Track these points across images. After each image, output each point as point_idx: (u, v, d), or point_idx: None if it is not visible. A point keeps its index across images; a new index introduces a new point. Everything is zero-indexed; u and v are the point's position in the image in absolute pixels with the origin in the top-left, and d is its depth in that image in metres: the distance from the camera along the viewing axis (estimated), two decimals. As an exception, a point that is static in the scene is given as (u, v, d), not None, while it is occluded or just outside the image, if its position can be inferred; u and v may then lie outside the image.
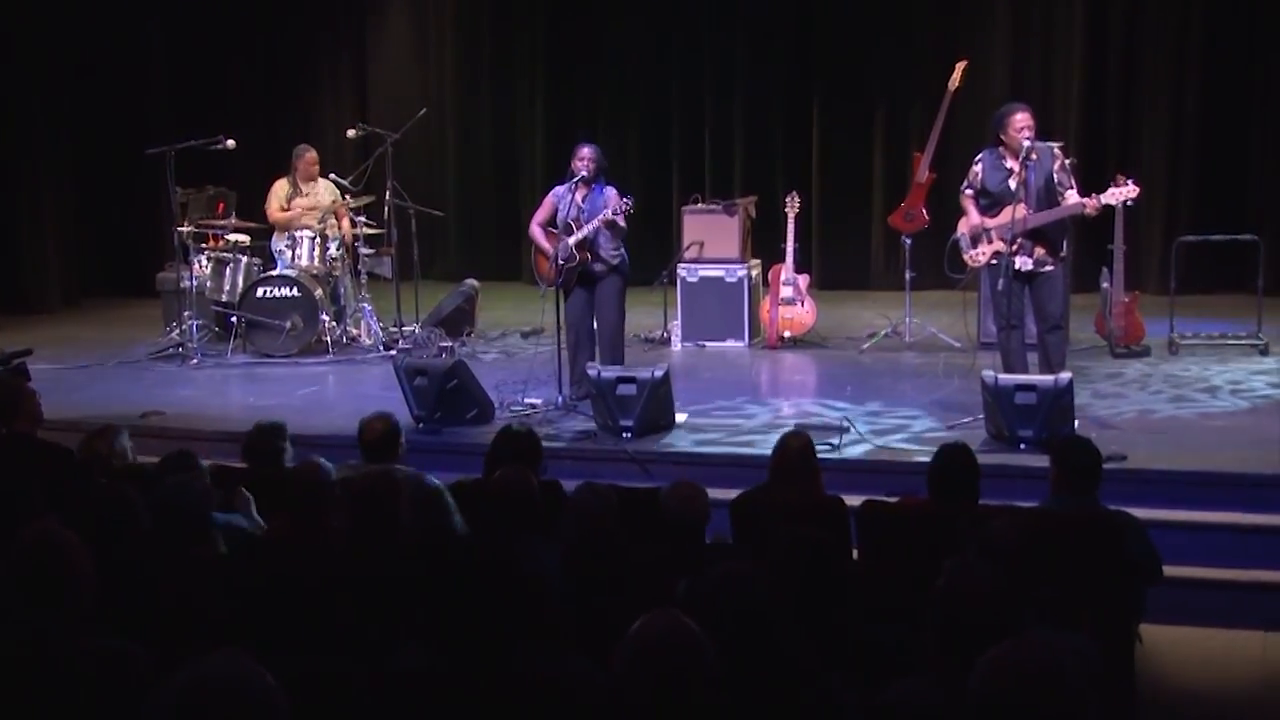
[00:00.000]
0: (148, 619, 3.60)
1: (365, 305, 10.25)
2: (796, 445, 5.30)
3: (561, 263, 8.03)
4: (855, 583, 4.09)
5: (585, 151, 8.08)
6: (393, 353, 9.40)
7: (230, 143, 9.97)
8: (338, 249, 10.19)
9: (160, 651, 3.10)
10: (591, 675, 3.09)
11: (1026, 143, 7.30)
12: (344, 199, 10.32)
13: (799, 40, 12.64)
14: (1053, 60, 11.98)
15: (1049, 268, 7.45)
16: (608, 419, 7.35)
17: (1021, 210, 7.28)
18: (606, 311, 8.19)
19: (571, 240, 7.98)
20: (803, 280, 10.02)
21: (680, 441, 7.35)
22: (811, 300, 10.04)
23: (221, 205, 10.86)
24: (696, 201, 10.62)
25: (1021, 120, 7.37)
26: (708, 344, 10.09)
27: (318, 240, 10.06)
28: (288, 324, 9.79)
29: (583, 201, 8.05)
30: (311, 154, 10.37)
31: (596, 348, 8.26)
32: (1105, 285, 9.29)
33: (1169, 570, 4.98)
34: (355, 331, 10.25)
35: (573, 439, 7.34)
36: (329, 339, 9.88)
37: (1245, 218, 11.08)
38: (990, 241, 7.49)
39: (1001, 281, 7.35)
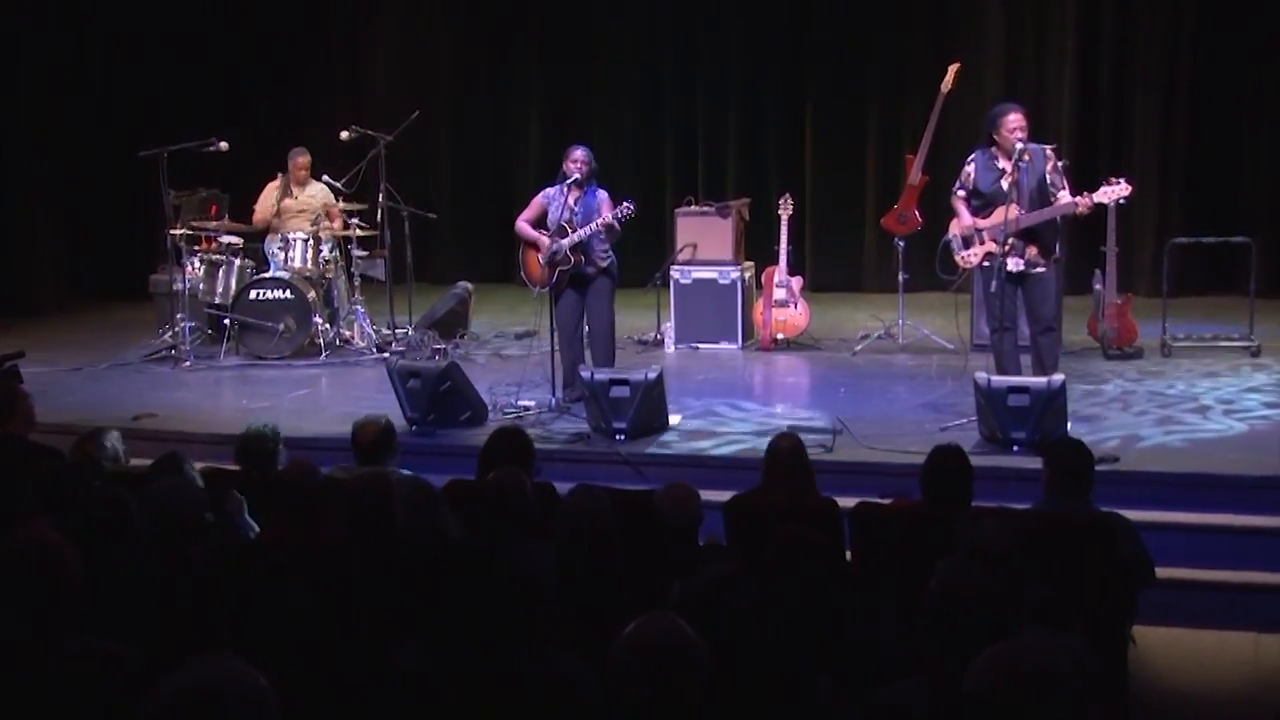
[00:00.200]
0: (140, 621, 3.60)
1: (358, 307, 10.24)
2: (787, 447, 5.31)
3: (555, 265, 8.03)
4: (848, 584, 4.09)
5: (578, 154, 8.09)
6: (386, 355, 9.40)
7: (223, 145, 9.96)
8: (331, 251, 10.19)
9: (153, 654, 3.09)
10: (585, 677, 3.09)
11: (1019, 144, 7.30)
12: (337, 201, 10.33)
13: (792, 42, 12.65)
14: (1045, 62, 12.00)
15: (1041, 269, 7.46)
16: (601, 421, 7.35)
17: (1014, 211, 7.28)
18: (597, 313, 8.20)
19: (566, 242, 7.97)
20: (795, 282, 10.02)
21: (674, 443, 7.35)
22: (804, 302, 10.05)
23: (214, 207, 10.85)
24: (690, 203, 10.63)
25: (1014, 121, 7.37)
26: (701, 346, 10.10)
27: (311, 242, 10.06)
28: (281, 326, 9.78)
29: (575, 204, 8.04)
30: (303, 157, 10.36)
31: (587, 349, 8.27)
32: (1098, 287, 9.30)
33: (1161, 572, 5.00)
34: (348, 334, 10.24)
35: (566, 441, 7.34)
36: (322, 341, 9.87)
37: (1237, 220, 11.11)
38: (982, 243, 7.49)
39: (994, 283, 7.35)
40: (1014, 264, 7.38)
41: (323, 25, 14.06)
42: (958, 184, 7.64)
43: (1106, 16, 11.80)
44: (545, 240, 8.04)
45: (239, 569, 4.03)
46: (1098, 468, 5.15)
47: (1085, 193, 7.35)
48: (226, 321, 9.97)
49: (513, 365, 9.17)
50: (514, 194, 13.15)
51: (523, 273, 8.34)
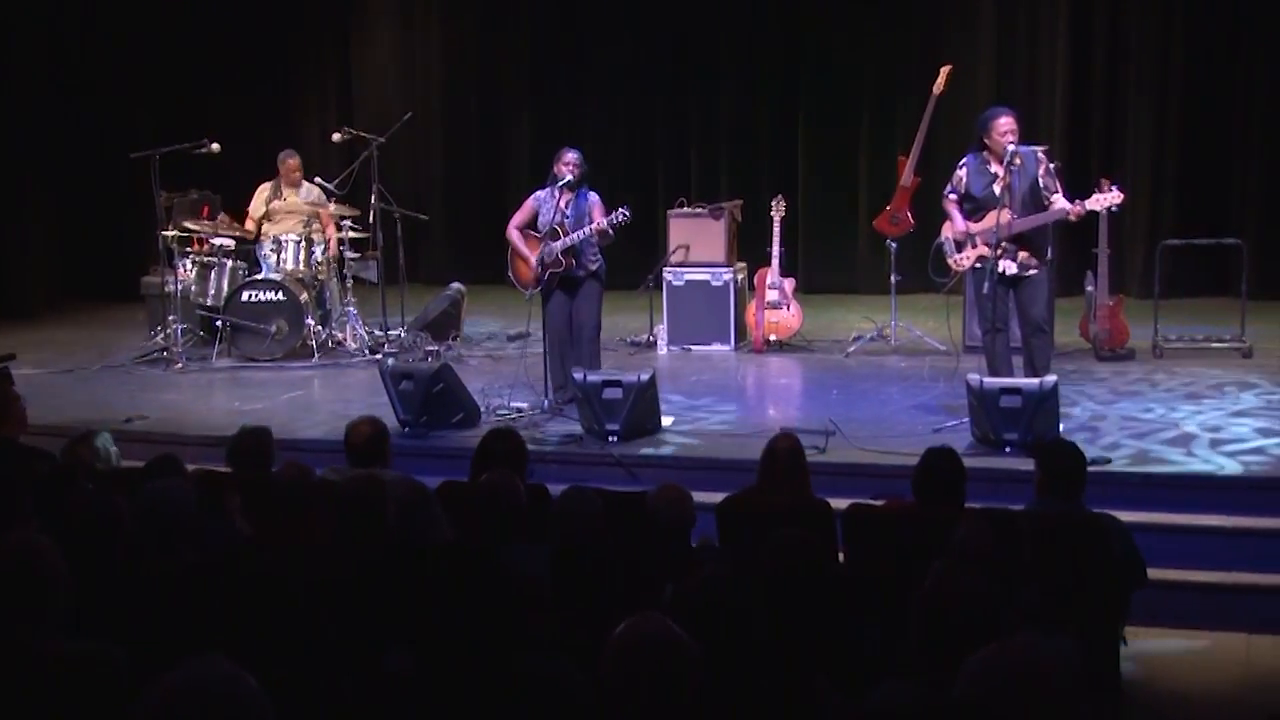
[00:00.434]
0: (131, 623, 3.59)
1: (351, 309, 10.23)
2: (785, 447, 5.31)
3: (546, 267, 8.04)
4: (841, 586, 4.09)
5: (569, 156, 8.09)
6: (378, 357, 9.39)
7: (215, 146, 9.95)
8: (323, 253, 10.18)
9: (144, 656, 3.09)
10: (577, 679, 3.09)
11: (1011, 147, 7.31)
12: (329, 203, 10.32)
13: (784, 44, 12.65)
14: (1037, 64, 12.01)
15: (1033, 271, 7.47)
16: (593, 423, 7.35)
17: (1006, 215, 7.29)
18: (585, 315, 8.20)
19: (558, 246, 7.98)
20: (788, 284, 10.02)
21: (666, 445, 7.35)
22: (797, 304, 10.05)
23: (206, 209, 10.84)
24: (682, 205, 10.63)
25: (1005, 124, 7.38)
26: (693, 347, 10.10)
27: (303, 244, 10.05)
28: (273, 328, 9.77)
29: (566, 207, 8.05)
30: (293, 159, 10.36)
31: (575, 351, 8.28)
32: (1090, 289, 9.31)
33: (1153, 573, 5.00)
34: (341, 335, 10.22)
35: (559, 443, 7.34)
36: (314, 343, 9.86)
37: (1229, 221, 11.13)
38: (974, 246, 7.50)
39: (986, 285, 7.36)
40: (1006, 266, 7.39)
41: (315, 27, 14.05)
42: (949, 187, 7.65)
43: (1098, 18, 11.81)
44: (534, 260, 8.04)
45: (231, 571, 4.02)
46: (1090, 469, 5.16)
47: (1078, 200, 7.36)
48: (219, 323, 9.95)
49: (505, 367, 9.16)
50: (506, 196, 13.13)
51: (512, 274, 8.35)
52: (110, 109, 13.24)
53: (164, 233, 10.02)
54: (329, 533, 4.46)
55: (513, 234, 8.24)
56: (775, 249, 10.00)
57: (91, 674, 3.04)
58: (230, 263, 10.18)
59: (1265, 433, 7.14)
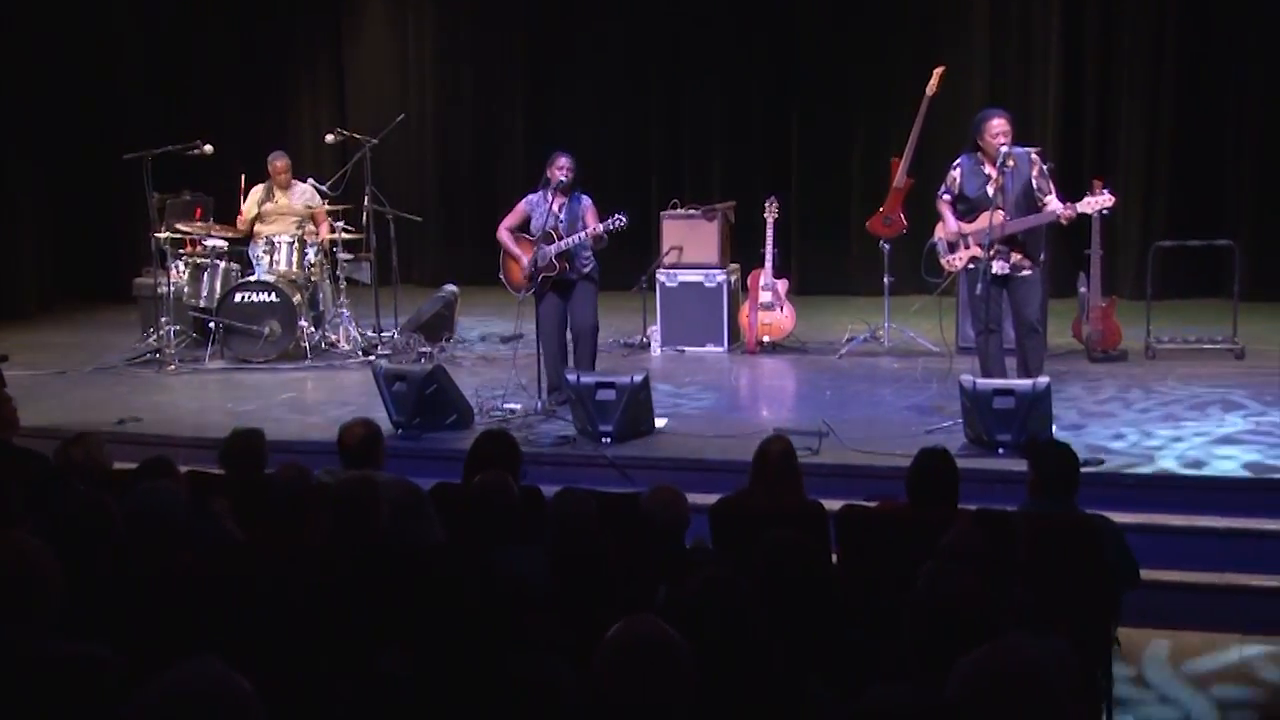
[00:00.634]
0: (124, 625, 3.59)
1: (344, 310, 10.23)
2: (778, 449, 5.31)
3: (539, 271, 8.04)
4: (834, 587, 4.09)
5: (563, 160, 8.10)
6: (371, 358, 9.39)
7: (208, 148, 9.94)
8: (316, 254, 10.17)
9: (136, 658, 3.08)
10: (570, 680, 3.09)
11: (1004, 148, 7.32)
12: (322, 204, 10.31)
13: (778, 45, 12.67)
14: (1030, 65, 12.03)
15: (1026, 272, 7.48)
16: (587, 424, 7.35)
17: (999, 216, 7.30)
18: (581, 317, 8.21)
19: (553, 249, 7.99)
20: (781, 285, 10.03)
21: (660, 446, 7.35)
22: (790, 305, 10.06)
23: (199, 210, 10.83)
24: (675, 206, 10.63)
25: (997, 126, 7.39)
26: (687, 349, 10.10)
27: (296, 245, 10.04)
28: (266, 329, 9.77)
29: (560, 211, 8.05)
30: (282, 161, 10.35)
31: (571, 353, 8.28)
32: (1082, 290, 9.33)
33: (1145, 574, 5.01)
34: (334, 337, 10.22)
35: (552, 444, 7.34)
36: (307, 344, 9.86)
37: (1222, 222, 11.15)
38: (967, 247, 7.51)
39: (979, 286, 7.37)
40: (999, 267, 7.40)
41: (308, 28, 14.04)
42: (943, 188, 7.65)
43: (1091, 20, 11.84)
44: (525, 260, 8.05)
45: (223, 572, 4.02)
46: (1083, 470, 5.16)
47: (1069, 203, 7.37)
48: (211, 325, 9.94)
49: (499, 368, 9.16)
50: (499, 197, 13.14)
51: (504, 277, 8.35)
52: (103, 110, 13.23)
53: (157, 234, 10.01)
54: (323, 534, 4.45)
55: (504, 235, 8.26)
56: (768, 250, 10.00)
57: (84, 675, 3.04)
58: (223, 264, 10.17)
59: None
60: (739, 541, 4.49)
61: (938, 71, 9.78)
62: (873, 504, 5.25)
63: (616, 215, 7.96)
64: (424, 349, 9.84)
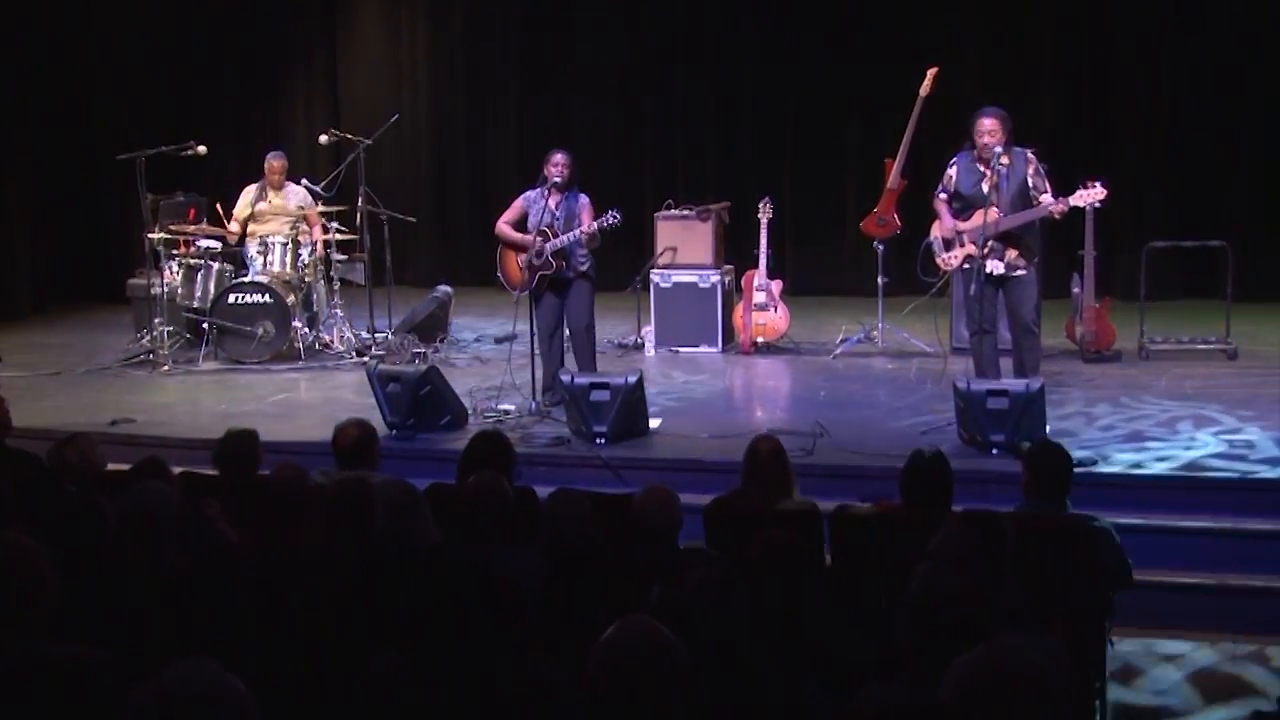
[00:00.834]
0: (118, 626, 3.58)
1: (338, 311, 10.22)
2: (767, 449, 5.31)
3: (535, 269, 8.04)
4: (828, 588, 4.09)
5: (558, 158, 8.10)
6: (365, 359, 9.38)
7: (201, 149, 9.93)
8: (310, 255, 10.17)
9: (131, 659, 3.08)
10: (565, 681, 3.09)
11: (998, 148, 7.34)
12: (315, 204, 10.31)
13: (771, 46, 12.67)
14: (1024, 66, 12.04)
15: (1021, 271, 7.49)
16: (581, 425, 7.36)
17: (993, 214, 7.32)
18: (577, 315, 8.21)
19: (548, 247, 7.99)
20: (775, 286, 10.04)
21: (653, 447, 7.35)
22: (784, 306, 10.06)
23: (193, 211, 10.82)
24: (669, 207, 10.63)
25: (986, 125, 7.43)
26: (681, 349, 10.10)
27: (290, 246, 10.04)
28: (259, 330, 9.76)
29: (556, 208, 8.05)
30: (278, 161, 10.34)
31: (568, 352, 8.28)
32: (1076, 291, 9.34)
33: (1138, 575, 5.01)
34: (328, 338, 10.21)
35: (546, 445, 7.34)
36: (301, 345, 9.85)
37: (1215, 223, 11.16)
38: (963, 245, 7.53)
39: (974, 286, 7.39)
40: (993, 266, 7.42)
41: (302, 29, 14.03)
42: (940, 187, 7.68)
43: (1085, 21, 11.85)
44: (530, 239, 8.03)
45: (217, 573, 4.02)
46: (1076, 470, 5.17)
47: (1061, 197, 7.39)
48: (205, 325, 9.93)
49: (493, 369, 9.16)
50: (493, 197, 13.11)
51: (501, 274, 8.35)
52: (96, 111, 13.21)
53: (150, 235, 10.00)
54: (317, 535, 4.45)
55: (504, 229, 8.24)
56: (762, 251, 10.01)
57: (78, 677, 3.03)
58: (216, 265, 10.16)
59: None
60: (733, 542, 4.49)
61: (931, 72, 9.78)
62: (866, 505, 5.26)
63: (611, 212, 7.96)
64: (418, 350, 9.83)
